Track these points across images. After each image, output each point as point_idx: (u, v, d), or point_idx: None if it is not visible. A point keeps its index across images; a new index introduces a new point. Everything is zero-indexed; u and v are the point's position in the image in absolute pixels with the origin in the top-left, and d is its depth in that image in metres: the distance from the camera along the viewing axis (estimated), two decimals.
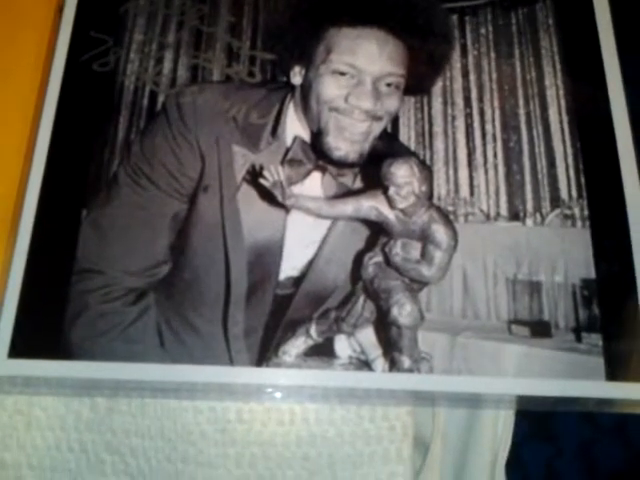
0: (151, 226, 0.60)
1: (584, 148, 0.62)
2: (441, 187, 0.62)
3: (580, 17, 0.67)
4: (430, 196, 0.60)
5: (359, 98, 0.60)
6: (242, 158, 0.61)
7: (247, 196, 0.60)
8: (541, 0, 0.68)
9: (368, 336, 0.58)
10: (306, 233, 0.60)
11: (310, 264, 0.60)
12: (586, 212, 0.60)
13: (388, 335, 0.56)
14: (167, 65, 0.66)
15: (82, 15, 0.67)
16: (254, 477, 0.58)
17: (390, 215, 0.58)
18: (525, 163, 0.63)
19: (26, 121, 0.64)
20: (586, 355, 0.56)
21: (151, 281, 0.59)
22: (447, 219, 0.58)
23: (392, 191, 0.57)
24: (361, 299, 0.58)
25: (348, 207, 0.59)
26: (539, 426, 0.63)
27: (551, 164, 0.62)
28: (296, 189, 0.60)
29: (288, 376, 0.55)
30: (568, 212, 0.61)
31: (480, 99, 0.65)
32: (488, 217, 0.61)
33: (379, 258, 0.58)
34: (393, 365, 0.56)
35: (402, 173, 0.57)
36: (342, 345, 0.58)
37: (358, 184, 0.61)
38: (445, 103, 0.65)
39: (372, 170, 0.59)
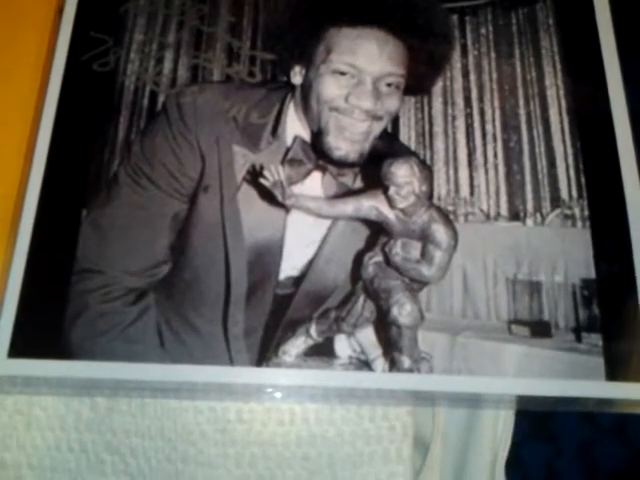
0: (151, 226, 0.60)
1: (584, 148, 0.62)
2: (441, 187, 0.62)
3: (580, 17, 0.67)
4: (430, 196, 0.60)
5: (359, 98, 0.60)
6: (242, 158, 0.61)
7: (247, 196, 0.60)
8: (541, 0, 0.68)
9: (368, 336, 0.58)
10: (306, 233, 0.60)
11: (310, 264, 0.60)
12: (586, 212, 0.60)
13: (388, 335, 0.56)
14: (167, 65, 0.66)
15: (82, 15, 0.67)
16: (254, 477, 0.58)
17: (390, 215, 0.58)
18: (525, 163, 0.63)
19: (26, 121, 0.64)
20: (586, 355, 0.56)
21: (151, 281, 0.59)
22: (447, 219, 0.58)
23: (392, 191, 0.57)
24: (361, 299, 0.58)
25: (348, 207, 0.59)
26: (539, 426, 0.63)
27: (551, 164, 0.62)
28: (296, 189, 0.60)
29: (288, 376, 0.55)
30: (568, 212, 0.61)
31: (480, 99, 0.65)
32: (488, 217, 0.61)
33: (379, 258, 0.58)
34: (393, 365, 0.56)
35: (402, 173, 0.57)
36: (342, 345, 0.58)
37: (358, 184, 0.61)
38: (445, 103, 0.65)
39: (372, 170, 0.59)
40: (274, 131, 0.62)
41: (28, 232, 0.59)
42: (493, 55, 0.66)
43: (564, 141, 0.63)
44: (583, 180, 0.61)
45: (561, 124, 0.64)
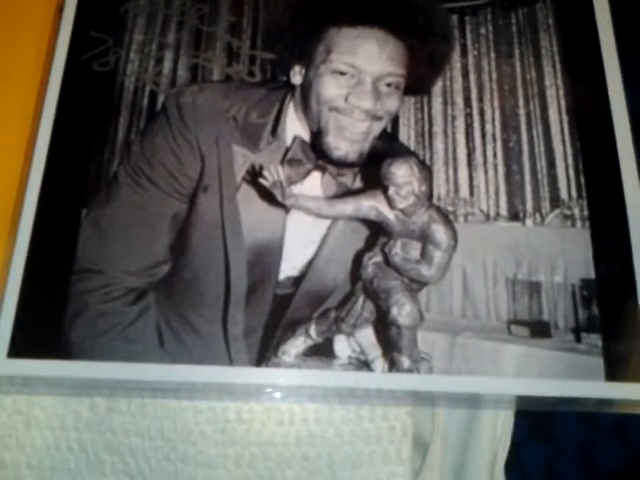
0: (151, 226, 0.60)
1: (584, 148, 0.62)
2: (441, 187, 0.62)
3: (580, 17, 0.67)
4: (430, 196, 0.60)
5: (359, 98, 0.60)
6: (242, 158, 0.61)
7: (247, 196, 0.60)
8: (541, 0, 0.68)
9: (368, 336, 0.58)
10: (306, 233, 0.60)
11: (310, 264, 0.60)
12: (586, 212, 0.60)
13: (388, 335, 0.56)
14: (167, 65, 0.66)
15: (82, 15, 0.67)
16: (253, 477, 0.58)
17: (390, 215, 0.58)
18: (525, 163, 0.63)
19: (26, 121, 0.64)
20: (585, 355, 0.56)
21: (151, 281, 0.59)
22: (447, 219, 0.58)
23: (392, 191, 0.57)
24: (361, 299, 0.58)
25: (348, 207, 0.59)
26: (539, 426, 0.63)
27: (551, 164, 0.62)
28: (296, 189, 0.60)
29: (287, 376, 0.55)
30: (568, 212, 0.61)
31: (480, 99, 0.65)
32: (488, 217, 0.61)
33: (379, 258, 0.58)
34: (393, 365, 0.56)
35: (402, 173, 0.57)
36: (342, 345, 0.58)
37: (358, 184, 0.61)
38: (445, 103, 0.65)
39: (372, 170, 0.59)
40: (274, 131, 0.62)
41: (28, 231, 0.59)
42: (493, 55, 0.66)
43: (564, 141, 0.63)
44: (583, 180, 0.61)
45: (561, 124, 0.64)
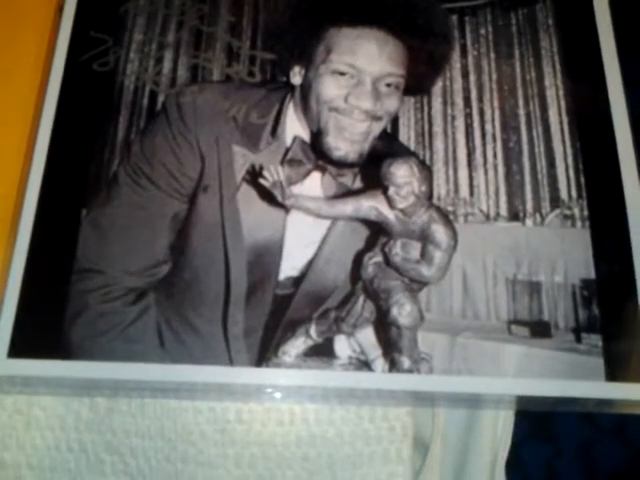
0: (151, 226, 0.60)
1: (584, 148, 0.62)
2: (441, 187, 0.62)
3: (580, 18, 0.67)
4: (430, 196, 0.60)
5: (359, 98, 0.60)
6: (242, 158, 0.61)
7: (247, 196, 0.60)
8: (541, 0, 0.68)
9: (368, 336, 0.58)
10: (306, 233, 0.60)
11: (310, 264, 0.60)
12: (586, 212, 0.60)
13: (388, 335, 0.56)
14: (167, 65, 0.66)
15: (82, 15, 0.67)
16: (253, 477, 0.57)
17: (390, 215, 0.58)
18: (525, 163, 0.63)
19: (26, 121, 0.64)
20: (586, 355, 0.56)
21: (151, 281, 0.59)
22: (447, 219, 0.58)
23: (392, 191, 0.57)
24: (361, 299, 0.58)
25: (348, 207, 0.59)
26: (539, 426, 0.63)
27: (551, 164, 0.62)
28: (296, 189, 0.60)
29: (288, 376, 0.55)
30: (568, 212, 0.61)
31: (480, 99, 0.65)
32: (488, 217, 0.61)
33: (379, 258, 0.58)
34: (393, 365, 0.56)
35: (402, 173, 0.57)
36: (342, 345, 0.58)
37: (358, 184, 0.61)
38: (445, 103, 0.65)
39: (372, 170, 0.59)
40: (274, 131, 0.62)
41: (28, 232, 0.59)
42: (493, 55, 0.66)
43: (564, 141, 0.63)
44: (583, 180, 0.61)
45: (560, 124, 0.64)
